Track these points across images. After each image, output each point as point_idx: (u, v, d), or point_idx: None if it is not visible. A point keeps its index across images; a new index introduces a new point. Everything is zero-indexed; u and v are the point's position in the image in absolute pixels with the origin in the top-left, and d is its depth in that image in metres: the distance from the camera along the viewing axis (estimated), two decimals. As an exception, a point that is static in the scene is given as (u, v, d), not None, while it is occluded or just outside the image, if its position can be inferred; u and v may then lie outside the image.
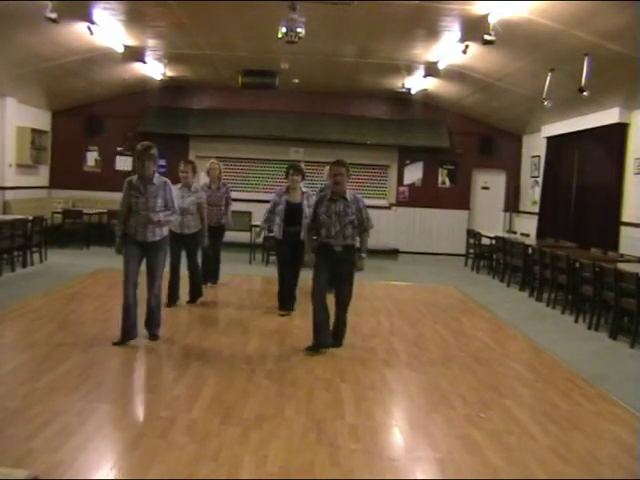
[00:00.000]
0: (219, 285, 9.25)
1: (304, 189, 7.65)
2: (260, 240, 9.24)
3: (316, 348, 5.97)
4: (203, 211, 7.72)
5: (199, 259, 8.22)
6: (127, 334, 5.87)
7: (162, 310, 6.34)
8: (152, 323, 6.14)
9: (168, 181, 6.04)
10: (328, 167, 7.90)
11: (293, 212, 7.45)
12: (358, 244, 6.09)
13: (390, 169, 15.09)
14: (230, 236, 13.94)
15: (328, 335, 6.06)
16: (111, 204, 13.80)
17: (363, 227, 6.04)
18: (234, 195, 14.90)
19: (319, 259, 6.05)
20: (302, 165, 8.05)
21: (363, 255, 6.03)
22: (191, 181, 7.74)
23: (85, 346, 5.82)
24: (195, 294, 8.00)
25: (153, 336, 6.10)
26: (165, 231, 6.03)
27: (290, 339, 6.51)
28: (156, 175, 5.93)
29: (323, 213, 5.96)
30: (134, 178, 5.92)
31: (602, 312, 7.79)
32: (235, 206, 14.53)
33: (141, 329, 6.08)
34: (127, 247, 5.87)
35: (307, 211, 7.21)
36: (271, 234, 7.97)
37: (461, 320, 8.01)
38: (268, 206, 7.72)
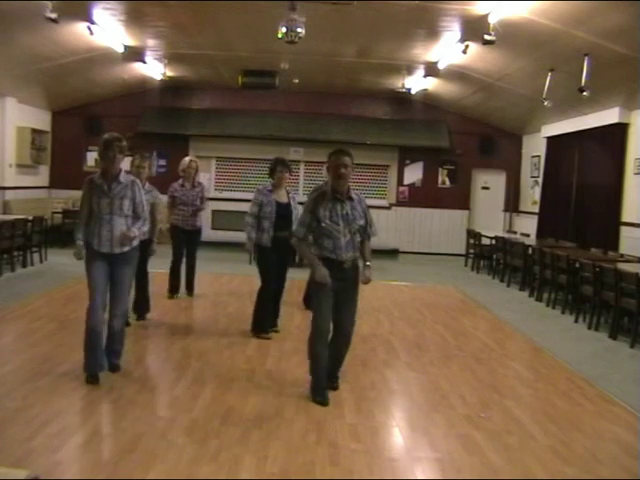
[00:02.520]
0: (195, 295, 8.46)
1: (288, 189, 6.75)
2: (251, 256, 7.31)
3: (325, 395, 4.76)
4: (156, 214, 6.70)
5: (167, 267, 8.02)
6: (97, 367, 4.87)
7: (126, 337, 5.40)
8: (112, 350, 5.11)
9: (137, 180, 5.09)
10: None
11: (283, 215, 6.42)
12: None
13: (390, 169, 15.09)
14: (230, 236, 14.03)
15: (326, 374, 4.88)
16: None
17: (367, 234, 4.87)
18: (234, 195, 15.14)
19: (315, 284, 4.71)
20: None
21: (369, 263, 4.87)
22: (145, 178, 6.67)
23: (85, 346, 5.82)
24: (143, 309, 6.92)
25: (113, 367, 5.09)
26: (136, 241, 5.04)
27: (290, 339, 6.50)
28: (123, 173, 4.92)
29: (327, 218, 4.63)
30: (96, 176, 4.89)
31: (602, 312, 7.79)
32: (235, 206, 14.70)
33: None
34: (90, 260, 4.86)
35: (296, 213, 6.36)
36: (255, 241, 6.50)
37: (461, 320, 8.01)
38: (251, 209, 6.44)
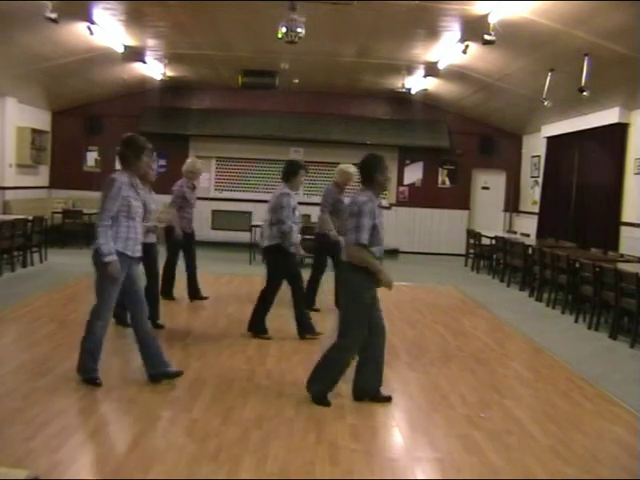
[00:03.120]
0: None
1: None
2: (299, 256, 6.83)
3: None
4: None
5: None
6: (96, 371, 4.81)
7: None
8: (160, 356, 5.00)
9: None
10: (350, 170, 7.41)
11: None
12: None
13: (390, 169, 15.07)
14: (230, 236, 14.04)
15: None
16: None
17: None
18: (234, 195, 15.14)
19: (371, 292, 4.60)
20: None
21: None
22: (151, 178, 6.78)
23: (85, 346, 5.81)
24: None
25: (175, 373, 5.01)
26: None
27: (290, 339, 6.50)
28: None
29: (381, 225, 4.57)
30: (126, 177, 4.72)
31: (602, 312, 7.79)
32: (235, 206, 14.74)
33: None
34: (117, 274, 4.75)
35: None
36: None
37: (461, 320, 8.01)
38: (285, 214, 6.21)
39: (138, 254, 4.84)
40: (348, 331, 4.59)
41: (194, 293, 8.17)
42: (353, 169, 7.61)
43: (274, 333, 6.71)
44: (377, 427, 4.39)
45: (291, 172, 6.44)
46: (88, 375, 4.75)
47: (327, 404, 4.60)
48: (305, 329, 6.53)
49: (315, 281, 7.83)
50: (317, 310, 7.67)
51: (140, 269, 5.19)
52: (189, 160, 8.25)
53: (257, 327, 6.52)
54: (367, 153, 4.84)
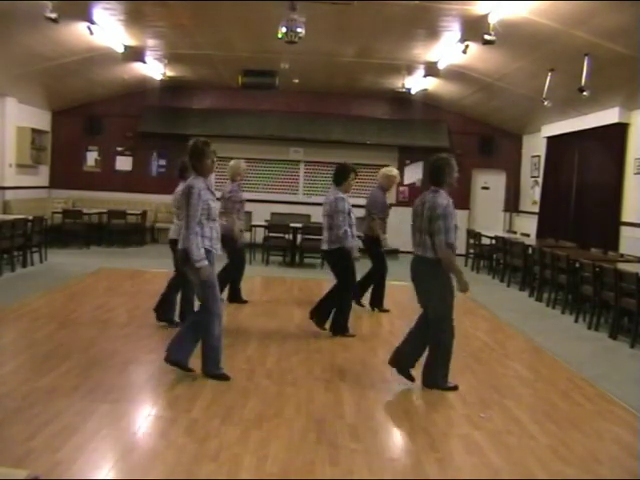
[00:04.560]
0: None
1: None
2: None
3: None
4: None
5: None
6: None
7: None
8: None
9: None
10: (393, 173, 7.90)
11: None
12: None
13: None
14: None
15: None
16: (111, 204, 13.86)
17: None
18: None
19: (450, 280, 5.10)
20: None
21: None
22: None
23: (85, 346, 5.82)
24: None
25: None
26: None
27: (290, 339, 6.50)
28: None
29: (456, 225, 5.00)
30: (200, 181, 4.93)
31: (602, 312, 7.78)
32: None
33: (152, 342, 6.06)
34: (214, 267, 5.04)
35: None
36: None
37: (461, 320, 7.98)
38: (342, 217, 6.49)
39: (219, 251, 5.11)
40: (444, 325, 5.04)
41: (236, 296, 8.20)
42: (396, 172, 8.15)
43: (274, 333, 6.73)
44: (377, 427, 4.39)
45: (342, 175, 6.65)
46: (219, 371, 5.07)
47: (454, 388, 5.08)
48: (339, 329, 6.68)
49: (381, 281, 8.10)
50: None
51: None
52: (233, 162, 8.03)
53: (340, 328, 6.68)
54: (437, 156, 5.15)
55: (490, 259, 12.36)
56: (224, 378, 5.03)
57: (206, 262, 4.85)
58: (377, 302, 8.10)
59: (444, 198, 4.93)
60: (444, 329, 5.03)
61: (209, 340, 5.06)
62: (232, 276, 8.00)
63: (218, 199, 5.42)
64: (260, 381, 5.13)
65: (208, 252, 4.90)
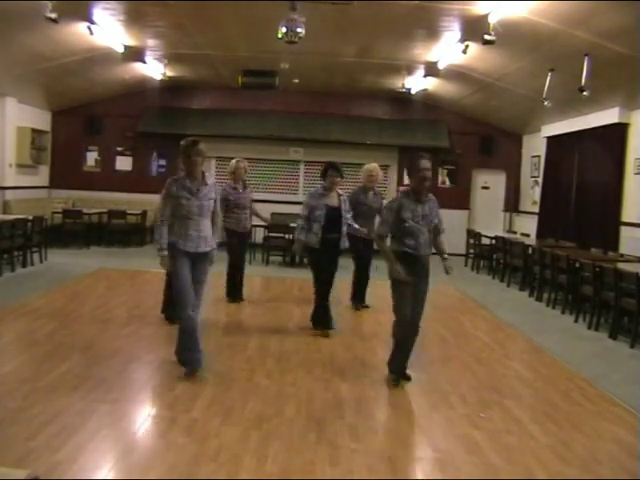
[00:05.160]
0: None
1: (340, 191, 6.88)
2: (296, 255, 7.48)
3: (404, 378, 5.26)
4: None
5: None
6: (194, 363, 5.13)
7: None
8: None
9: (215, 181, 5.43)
10: (368, 169, 7.85)
11: (333, 218, 6.65)
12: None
13: (390, 169, 15.07)
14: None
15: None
16: (111, 204, 13.85)
17: (438, 230, 5.41)
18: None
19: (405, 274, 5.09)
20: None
21: (446, 256, 5.48)
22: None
23: (85, 346, 5.82)
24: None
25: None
26: (215, 241, 5.28)
27: (290, 339, 6.50)
28: (207, 174, 5.21)
29: (410, 219, 5.04)
30: (181, 178, 5.11)
31: (602, 312, 7.78)
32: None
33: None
34: (178, 259, 5.04)
35: (346, 216, 6.79)
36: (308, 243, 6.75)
37: (461, 320, 8.01)
38: (302, 212, 6.78)
39: (191, 249, 5.09)
40: (396, 317, 5.21)
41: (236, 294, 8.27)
42: (372, 166, 8.10)
43: (274, 333, 6.72)
44: (377, 427, 4.39)
45: (323, 171, 6.87)
46: (180, 357, 5.21)
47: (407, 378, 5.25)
48: (311, 321, 6.91)
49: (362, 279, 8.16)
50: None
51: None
52: (231, 162, 8.14)
53: (311, 321, 6.90)
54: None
55: (490, 259, 12.36)
56: (182, 363, 5.14)
57: (164, 252, 5.03)
58: (357, 298, 8.15)
59: (397, 195, 5.40)
60: (396, 321, 5.18)
61: (179, 327, 5.18)
62: (231, 274, 8.10)
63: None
64: (260, 381, 5.13)
65: (173, 246, 5.02)
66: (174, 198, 5.03)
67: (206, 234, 5.12)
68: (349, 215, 6.93)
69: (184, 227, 5.03)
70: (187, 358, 5.13)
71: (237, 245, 7.96)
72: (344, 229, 6.76)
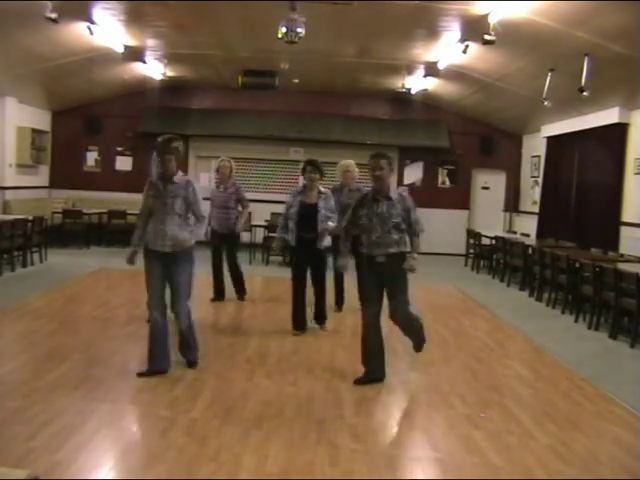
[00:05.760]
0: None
1: (322, 189, 6.72)
2: (276, 253, 7.54)
3: (367, 380, 5.15)
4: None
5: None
6: (154, 364, 5.05)
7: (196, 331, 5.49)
8: (184, 347, 5.32)
9: (192, 181, 5.16)
10: (344, 165, 7.66)
11: (307, 215, 6.49)
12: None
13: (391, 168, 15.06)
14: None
15: (383, 366, 5.26)
16: (111, 204, 13.84)
17: (413, 231, 5.27)
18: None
19: (364, 273, 5.23)
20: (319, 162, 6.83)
21: (415, 256, 5.24)
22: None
23: (85, 346, 5.82)
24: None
25: (189, 363, 5.32)
26: (191, 241, 5.08)
27: (290, 339, 6.50)
28: (179, 173, 5.06)
29: (364, 216, 5.09)
30: (155, 177, 5.14)
31: (602, 312, 7.78)
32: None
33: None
34: (146, 258, 5.10)
35: (323, 213, 6.52)
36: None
37: (461, 320, 8.00)
38: (283, 210, 6.82)
39: (158, 248, 5.06)
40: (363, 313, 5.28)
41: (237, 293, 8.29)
42: (347, 163, 7.86)
43: (274, 333, 6.72)
44: (377, 427, 4.39)
45: (302, 169, 6.85)
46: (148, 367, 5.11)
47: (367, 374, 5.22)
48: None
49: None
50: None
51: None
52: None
53: (296, 325, 6.76)
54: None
55: (490, 259, 12.36)
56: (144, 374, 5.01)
57: (132, 248, 5.19)
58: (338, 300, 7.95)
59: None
60: (363, 318, 5.23)
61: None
62: (213, 273, 8.08)
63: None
64: (260, 381, 5.13)
65: (145, 246, 5.11)
66: (145, 197, 5.10)
67: (173, 234, 4.94)
68: (331, 214, 6.60)
69: (151, 226, 5.04)
70: (148, 357, 5.07)
71: (215, 245, 7.97)
72: (321, 226, 6.50)
